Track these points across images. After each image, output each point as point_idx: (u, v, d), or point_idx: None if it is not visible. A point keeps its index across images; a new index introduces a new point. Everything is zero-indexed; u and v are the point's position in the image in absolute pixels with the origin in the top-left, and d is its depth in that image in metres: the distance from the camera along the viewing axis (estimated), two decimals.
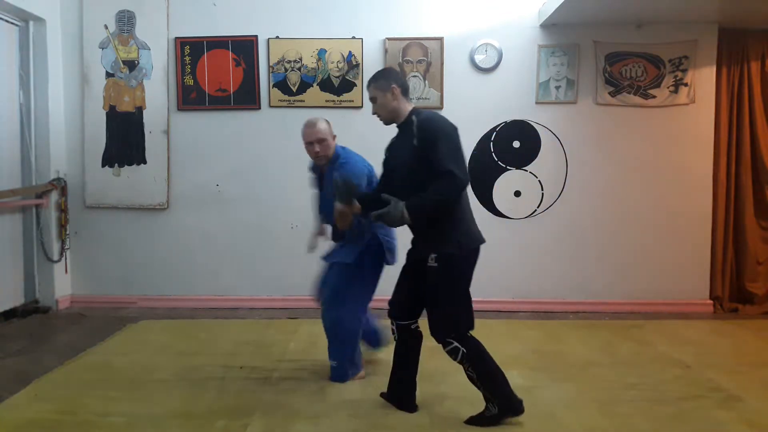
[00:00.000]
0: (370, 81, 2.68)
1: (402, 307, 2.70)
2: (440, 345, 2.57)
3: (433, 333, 2.57)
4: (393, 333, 2.76)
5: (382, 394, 2.87)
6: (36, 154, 4.49)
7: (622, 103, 4.58)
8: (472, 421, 2.60)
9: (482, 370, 2.55)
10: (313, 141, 2.96)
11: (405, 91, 2.63)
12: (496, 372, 2.57)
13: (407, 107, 2.64)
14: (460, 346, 2.52)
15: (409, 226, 2.55)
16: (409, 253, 2.72)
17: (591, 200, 4.64)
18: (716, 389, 3.03)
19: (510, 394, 2.58)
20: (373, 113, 2.70)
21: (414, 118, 2.56)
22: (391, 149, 2.75)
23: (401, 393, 2.78)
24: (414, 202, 2.43)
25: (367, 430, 2.58)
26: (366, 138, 4.48)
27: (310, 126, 2.99)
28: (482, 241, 2.62)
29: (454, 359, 2.55)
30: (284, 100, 4.60)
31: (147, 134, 4.64)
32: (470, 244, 2.57)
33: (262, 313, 4.43)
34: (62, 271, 4.63)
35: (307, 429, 2.58)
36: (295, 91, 4.59)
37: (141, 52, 4.61)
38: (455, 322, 2.55)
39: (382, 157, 2.85)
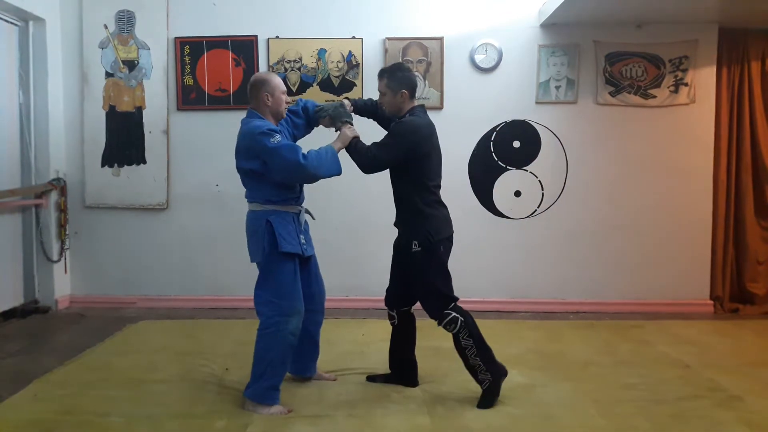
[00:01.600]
0: (383, 75, 2.89)
1: (397, 295, 2.98)
2: (436, 321, 2.82)
3: (429, 310, 2.84)
4: (392, 319, 3.03)
5: (369, 378, 3.12)
6: (36, 154, 4.49)
7: (622, 103, 4.58)
8: (481, 404, 2.77)
9: (478, 336, 2.78)
10: (285, 91, 2.91)
11: (413, 94, 2.90)
12: (484, 340, 2.82)
13: (409, 106, 2.90)
14: (458, 315, 2.78)
15: (397, 223, 2.94)
16: (395, 245, 2.99)
17: (591, 200, 4.64)
18: (716, 389, 3.03)
19: (495, 358, 2.83)
20: (379, 102, 2.97)
21: (406, 117, 2.86)
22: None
23: (406, 370, 3.05)
24: (353, 144, 2.82)
25: (366, 430, 2.58)
26: (365, 138, 4.48)
27: (279, 77, 2.91)
28: (451, 232, 2.92)
29: (452, 330, 2.77)
30: None
31: (147, 134, 4.63)
32: (441, 233, 2.85)
33: None
34: (62, 271, 4.63)
35: (307, 429, 2.58)
36: (295, 90, 4.59)
37: (141, 52, 4.61)
38: (446, 295, 2.83)
39: None
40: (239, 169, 2.81)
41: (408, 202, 2.85)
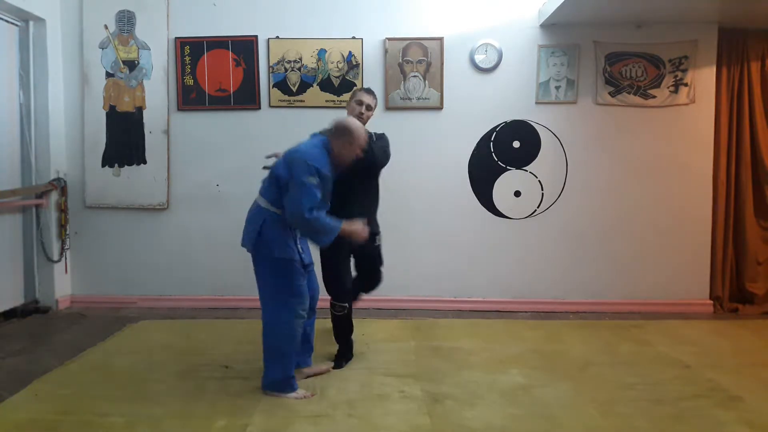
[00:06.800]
0: (373, 93, 3.36)
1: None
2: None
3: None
4: (347, 309, 3.32)
5: (336, 367, 3.30)
6: (36, 154, 4.49)
7: (622, 103, 4.58)
8: (337, 363, 3.28)
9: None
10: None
11: None
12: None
13: None
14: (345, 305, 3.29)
15: (372, 221, 3.38)
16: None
17: (591, 200, 4.64)
18: (716, 389, 3.03)
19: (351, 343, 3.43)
20: (366, 118, 3.28)
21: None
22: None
23: (350, 348, 3.42)
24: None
25: (366, 430, 2.59)
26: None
27: (363, 135, 2.96)
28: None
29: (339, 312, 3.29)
30: (284, 100, 4.61)
31: (147, 134, 4.64)
32: None
33: None
34: (62, 271, 4.63)
35: (307, 429, 2.58)
36: (295, 91, 4.59)
37: (141, 52, 4.61)
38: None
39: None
40: (274, 169, 2.90)
41: (377, 200, 3.41)
